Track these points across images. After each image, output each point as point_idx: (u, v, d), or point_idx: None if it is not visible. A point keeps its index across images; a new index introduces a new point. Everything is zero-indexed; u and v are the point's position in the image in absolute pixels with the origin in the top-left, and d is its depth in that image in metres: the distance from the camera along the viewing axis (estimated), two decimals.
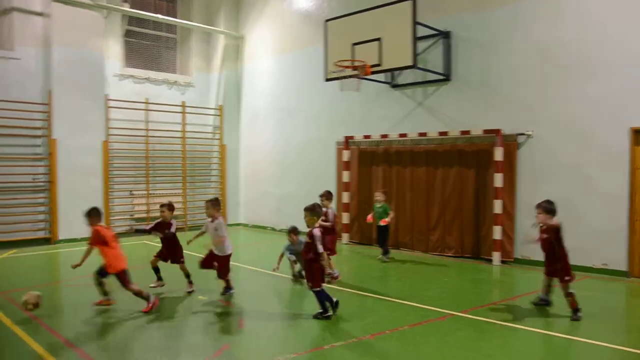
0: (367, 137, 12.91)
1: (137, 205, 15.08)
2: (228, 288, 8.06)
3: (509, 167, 10.61)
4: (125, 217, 14.95)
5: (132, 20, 15.49)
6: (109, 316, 7.05)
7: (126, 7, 14.76)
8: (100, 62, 14.26)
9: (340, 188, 13.47)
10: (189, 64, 16.77)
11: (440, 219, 11.78)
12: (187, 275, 8.38)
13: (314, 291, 6.73)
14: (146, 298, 7.21)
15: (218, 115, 16.80)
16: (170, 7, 16.50)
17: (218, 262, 7.93)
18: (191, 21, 16.23)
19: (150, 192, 15.24)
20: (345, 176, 13.32)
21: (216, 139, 16.87)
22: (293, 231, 9.03)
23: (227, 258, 7.99)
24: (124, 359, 5.57)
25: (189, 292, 8.23)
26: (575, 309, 6.74)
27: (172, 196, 15.64)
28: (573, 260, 7.00)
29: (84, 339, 6.19)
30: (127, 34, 15.54)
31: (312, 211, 6.85)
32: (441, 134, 11.50)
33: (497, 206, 10.57)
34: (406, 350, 5.71)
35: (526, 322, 6.62)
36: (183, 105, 16.00)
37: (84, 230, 13.58)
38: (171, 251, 8.50)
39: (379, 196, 11.20)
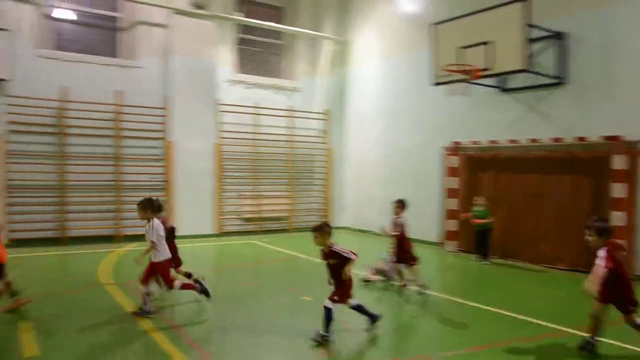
0: (474, 142, 12.59)
1: (246, 206, 15.68)
2: (143, 310, 6.94)
3: (630, 176, 9.89)
4: (234, 217, 15.61)
5: (243, 28, 16.17)
6: (208, 309, 7.40)
7: (240, 17, 15.44)
8: (214, 69, 15.05)
9: (446, 194, 13.25)
10: (296, 69, 17.21)
11: (551, 229, 11.21)
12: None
13: (327, 306, 6.08)
14: (16, 294, 7.06)
15: (324, 119, 17.09)
16: (278, 14, 17.03)
17: (149, 267, 7.10)
18: (298, 28, 16.65)
19: (258, 193, 15.80)
20: (452, 182, 13.08)
21: (322, 143, 17.17)
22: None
23: (157, 265, 7.08)
24: (236, 354, 5.83)
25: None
26: None
27: (278, 198, 16.16)
28: None
29: (200, 334, 6.57)
30: (239, 41, 16.24)
31: (321, 230, 6.20)
32: (554, 140, 10.97)
33: (616, 218, 9.90)
34: None
35: None
36: (290, 110, 16.46)
37: (196, 227, 14.54)
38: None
39: (479, 200, 11.59)
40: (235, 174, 15.60)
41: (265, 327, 6.67)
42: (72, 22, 14.12)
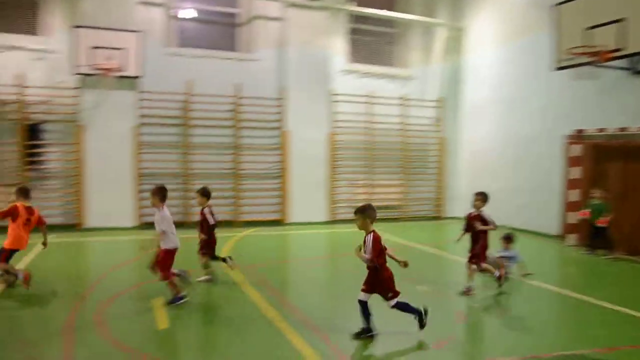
0: (601, 130, 11.74)
1: (358, 194, 15.83)
2: (177, 298, 6.88)
3: None
4: (346, 205, 15.84)
5: (355, 18, 16.23)
6: (325, 298, 7.58)
7: (352, 6, 15.54)
8: (327, 59, 15.29)
9: (567, 185, 12.51)
10: (409, 57, 16.98)
11: None
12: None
13: (396, 303, 5.81)
14: (15, 275, 7.48)
15: (438, 108, 16.76)
16: (390, 2, 16.86)
17: (158, 254, 7.06)
18: (411, 15, 16.38)
19: (370, 182, 15.88)
20: (574, 172, 12.31)
21: (435, 131, 16.86)
22: (507, 239, 8.67)
23: (166, 252, 6.96)
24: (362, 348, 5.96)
25: (200, 281, 7.96)
26: None
27: (391, 187, 16.14)
28: None
29: (323, 326, 6.78)
30: (351, 31, 16.34)
31: (363, 213, 5.85)
32: None
33: None
34: None
35: None
36: (403, 98, 16.30)
37: (309, 215, 14.93)
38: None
39: (596, 193, 10.86)
40: (348, 162, 15.79)
41: (385, 318, 6.68)
42: (195, 20, 15.02)
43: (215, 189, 14.19)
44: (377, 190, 16.04)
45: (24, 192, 7.72)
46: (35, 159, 13.21)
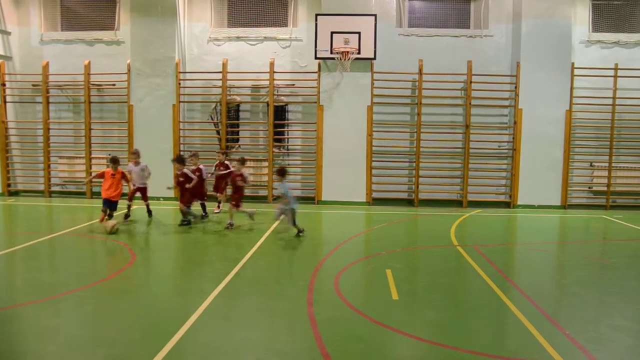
0: None
1: (597, 177, 14.50)
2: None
3: None
4: (583, 189, 14.64)
5: None
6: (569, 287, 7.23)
7: None
8: (568, 29, 14.09)
9: None
10: None
11: None
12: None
13: None
14: None
15: None
16: None
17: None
18: None
19: (613, 165, 14.40)
20: None
21: None
22: None
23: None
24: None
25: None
26: None
27: (637, 170, 14.46)
28: None
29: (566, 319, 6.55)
30: None
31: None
32: None
33: None
34: None
35: None
36: None
37: (540, 197, 14.14)
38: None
39: None
40: (588, 142, 14.50)
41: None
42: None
43: (444, 168, 14.39)
44: (621, 173, 14.49)
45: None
46: (281, 137, 14.76)
